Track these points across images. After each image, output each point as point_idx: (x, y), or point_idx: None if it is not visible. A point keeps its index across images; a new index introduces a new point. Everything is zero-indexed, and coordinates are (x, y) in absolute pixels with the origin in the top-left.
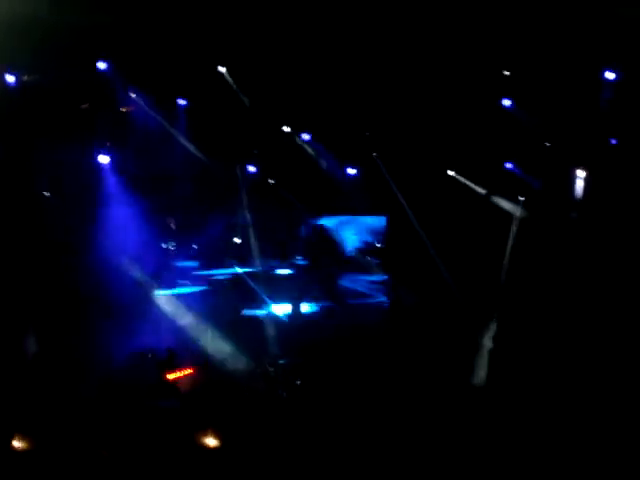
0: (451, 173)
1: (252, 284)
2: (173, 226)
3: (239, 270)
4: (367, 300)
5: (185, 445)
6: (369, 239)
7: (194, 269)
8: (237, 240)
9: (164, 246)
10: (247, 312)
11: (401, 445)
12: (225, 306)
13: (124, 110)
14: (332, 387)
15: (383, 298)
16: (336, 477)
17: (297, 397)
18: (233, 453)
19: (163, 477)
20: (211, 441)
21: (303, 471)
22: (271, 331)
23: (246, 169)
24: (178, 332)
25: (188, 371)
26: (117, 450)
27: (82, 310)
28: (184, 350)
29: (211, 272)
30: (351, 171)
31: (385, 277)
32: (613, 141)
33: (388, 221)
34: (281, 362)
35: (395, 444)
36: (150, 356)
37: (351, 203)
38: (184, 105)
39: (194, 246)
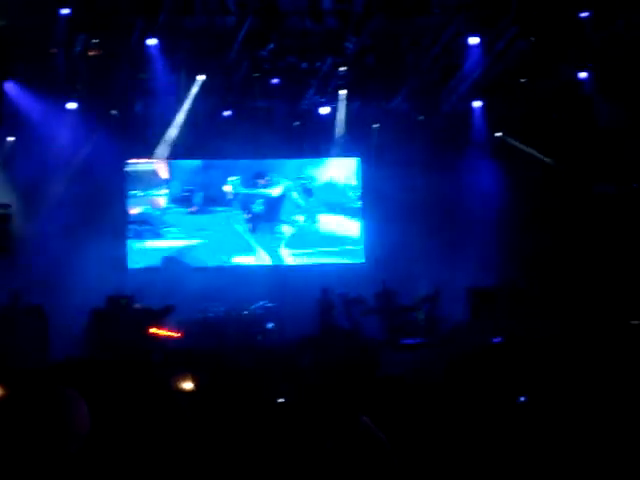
0: None
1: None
2: None
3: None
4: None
5: (162, 390)
6: None
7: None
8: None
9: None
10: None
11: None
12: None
13: (92, 54)
14: (304, 333)
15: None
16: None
17: (270, 340)
18: (208, 396)
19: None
20: (187, 385)
21: (276, 418)
22: (247, 277)
23: None
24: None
25: (175, 334)
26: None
27: None
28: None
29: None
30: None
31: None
32: None
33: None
34: (255, 306)
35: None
36: (125, 302)
37: None
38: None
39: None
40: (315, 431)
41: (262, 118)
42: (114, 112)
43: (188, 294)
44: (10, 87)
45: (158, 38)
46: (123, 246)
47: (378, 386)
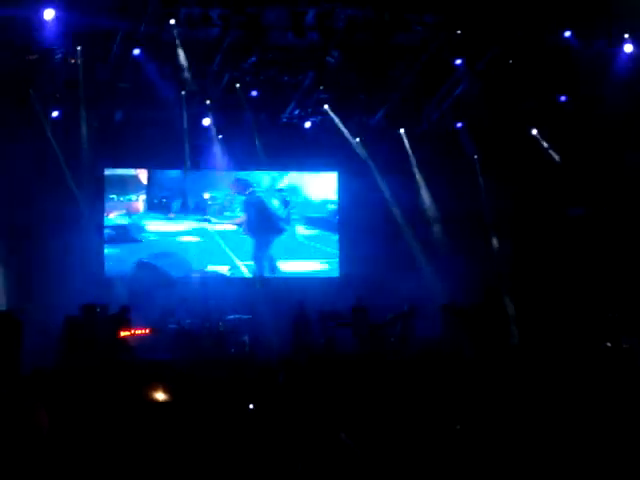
0: None
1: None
2: None
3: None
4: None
5: (134, 399)
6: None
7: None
8: None
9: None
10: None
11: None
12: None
13: (73, 61)
14: (279, 343)
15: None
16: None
17: (244, 353)
18: (182, 408)
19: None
20: (160, 395)
21: (253, 425)
22: (222, 288)
23: None
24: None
25: (144, 331)
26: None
27: None
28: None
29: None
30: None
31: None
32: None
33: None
34: (230, 318)
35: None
36: (99, 310)
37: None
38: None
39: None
40: (292, 447)
41: (243, 130)
42: (94, 123)
43: (163, 302)
44: None
45: (141, 48)
46: (100, 253)
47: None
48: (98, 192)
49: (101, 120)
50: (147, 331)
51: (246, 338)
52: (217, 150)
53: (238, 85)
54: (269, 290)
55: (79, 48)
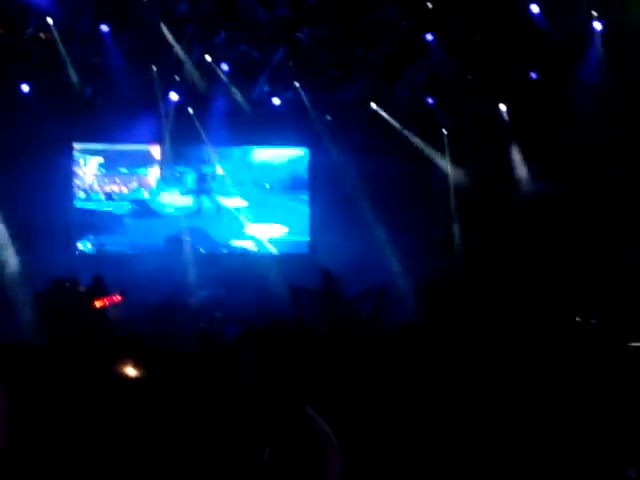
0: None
1: None
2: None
3: None
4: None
5: (107, 376)
6: None
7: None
8: None
9: None
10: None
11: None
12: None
13: (43, 37)
14: (250, 320)
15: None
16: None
17: (216, 329)
18: (154, 384)
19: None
20: (131, 371)
21: (224, 402)
22: (193, 262)
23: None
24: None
25: (116, 298)
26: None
27: None
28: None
29: None
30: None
31: None
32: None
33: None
34: (201, 294)
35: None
36: (68, 284)
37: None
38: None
39: None
40: (258, 421)
41: (211, 106)
42: (64, 95)
43: (138, 278)
44: None
45: (110, 24)
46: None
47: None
48: (67, 166)
49: (71, 95)
50: (118, 297)
51: (219, 314)
52: (185, 126)
53: (209, 58)
54: (236, 264)
55: (51, 23)
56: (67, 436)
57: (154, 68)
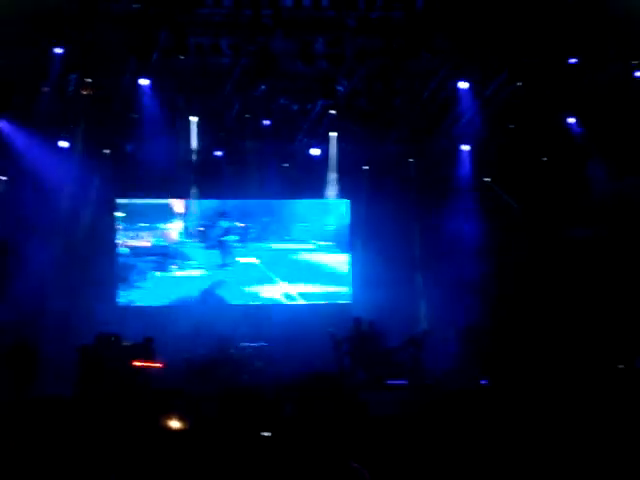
0: None
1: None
2: None
3: None
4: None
5: (149, 428)
6: None
7: None
8: None
9: None
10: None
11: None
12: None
13: (85, 93)
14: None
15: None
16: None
17: (259, 381)
18: (199, 436)
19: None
20: (175, 424)
21: (271, 455)
22: (235, 315)
23: None
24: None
25: (157, 365)
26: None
27: None
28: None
29: None
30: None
31: None
32: None
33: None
34: (244, 345)
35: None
36: (113, 339)
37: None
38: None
39: None
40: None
41: (253, 159)
42: (106, 151)
43: (175, 331)
44: (3, 125)
45: (150, 78)
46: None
47: (368, 427)
48: (110, 222)
49: (112, 150)
50: (159, 365)
51: (260, 365)
52: (227, 180)
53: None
54: (280, 316)
55: (90, 80)
56: None
57: (193, 120)
